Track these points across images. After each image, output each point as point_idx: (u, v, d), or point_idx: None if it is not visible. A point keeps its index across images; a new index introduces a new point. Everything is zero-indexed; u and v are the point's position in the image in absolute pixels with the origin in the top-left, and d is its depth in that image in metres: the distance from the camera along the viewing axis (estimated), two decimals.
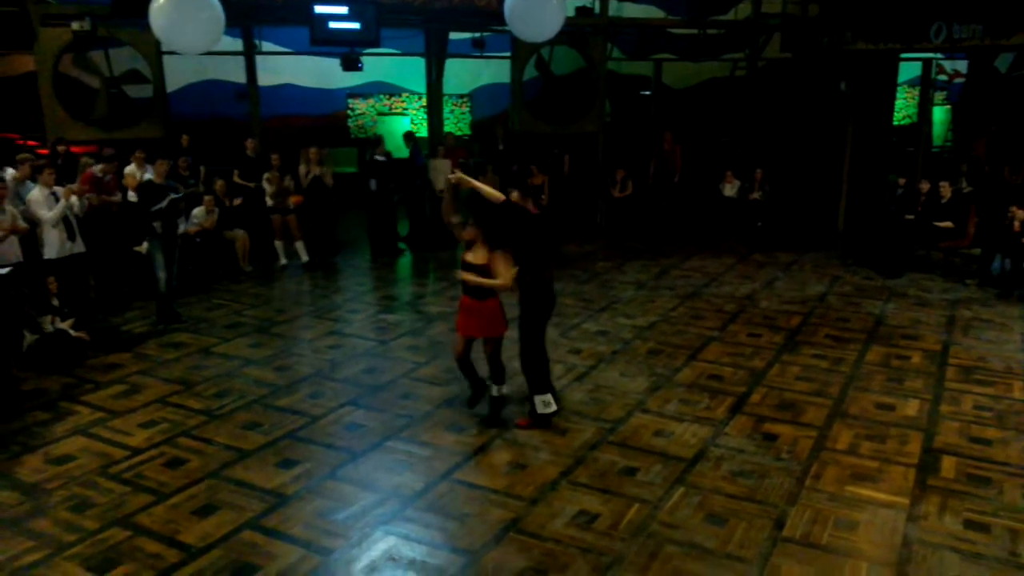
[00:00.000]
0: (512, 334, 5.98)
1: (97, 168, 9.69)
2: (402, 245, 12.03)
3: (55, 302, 7.50)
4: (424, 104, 15.61)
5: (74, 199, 8.22)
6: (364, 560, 4.31)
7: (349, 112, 16.88)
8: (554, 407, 5.86)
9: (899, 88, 15.12)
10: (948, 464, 5.33)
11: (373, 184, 11.42)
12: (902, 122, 17.20)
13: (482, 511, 4.77)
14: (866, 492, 4.96)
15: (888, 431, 5.82)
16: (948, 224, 10.38)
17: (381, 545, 4.44)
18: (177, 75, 13.68)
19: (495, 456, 5.49)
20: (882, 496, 4.91)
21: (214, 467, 5.33)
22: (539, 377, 5.82)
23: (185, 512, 4.77)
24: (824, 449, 5.54)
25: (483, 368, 6.04)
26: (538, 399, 5.83)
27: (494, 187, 5.96)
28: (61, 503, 4.88)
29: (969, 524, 4.61)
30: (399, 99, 17.13)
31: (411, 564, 4.27)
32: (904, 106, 17.41)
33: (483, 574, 4.20)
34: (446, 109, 15.71)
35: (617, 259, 11.35)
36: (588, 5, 13.46)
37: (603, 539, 4.48)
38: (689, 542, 4.45)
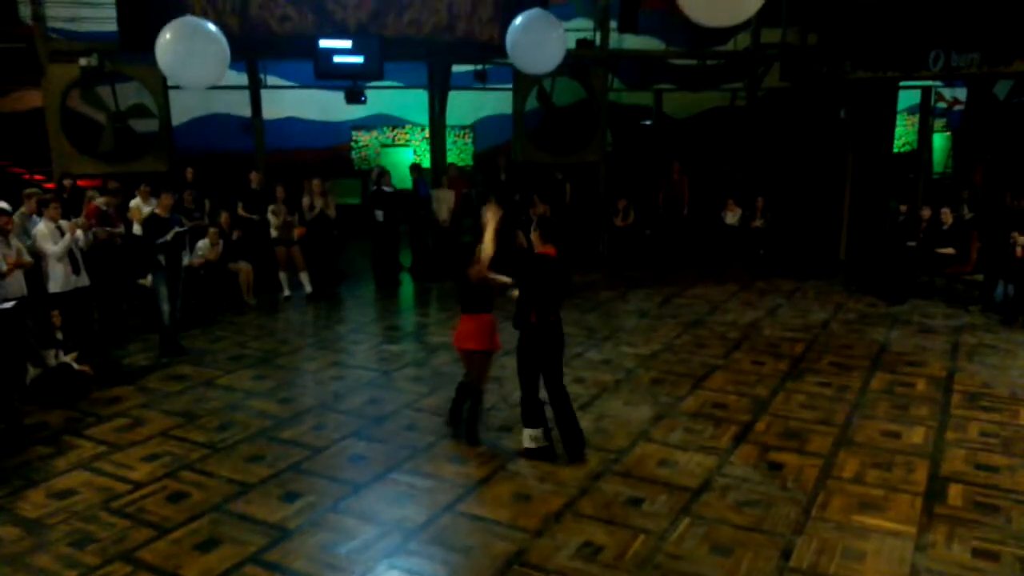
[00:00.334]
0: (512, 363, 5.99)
1: (101, 201, 9.75)
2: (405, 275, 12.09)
3: (59, 336, 7.52)
4: (427, 136, 15.75)
5: (79, 233, 8.27)
6: None
7: (353, 144, 17.04)
8: (542, 443, 5.83)
9: (899, 115, 15.21)
10: (955, 492, 5.28)
11: (380, 215, 11.50)
12: (902, 149, 17.26)
13: (486, 543, 4.73)
14: (873, 521, 4.91)
15: (894, 459, 5.78)
16: (950, 250, 10.40)
17: None
18: (183, 109, 13.83)
19: (498, 487, 5.45)
20: (889, 525, 4.87)
21: (216, 501, 5.30)
22: (529, 412, 5.81)
23: (187, 547, 4.73)
24: (830, 478, 5.50)
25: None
26: (526, 432, 5.84)
27: (495, 217, 5.94)
28: (62, 538, 4.85)
29: (977, 553, 4.56)
30: (402, 131, 17.28)
31: None
32: (904, 133, 17.50)
33: None
34: (449, 140, 15.85)
35: (620, 288, 11.36)
36: (589, 37, 13.63)
37: (608, 571, 4.43)
38: (695, 573, 4.40)
